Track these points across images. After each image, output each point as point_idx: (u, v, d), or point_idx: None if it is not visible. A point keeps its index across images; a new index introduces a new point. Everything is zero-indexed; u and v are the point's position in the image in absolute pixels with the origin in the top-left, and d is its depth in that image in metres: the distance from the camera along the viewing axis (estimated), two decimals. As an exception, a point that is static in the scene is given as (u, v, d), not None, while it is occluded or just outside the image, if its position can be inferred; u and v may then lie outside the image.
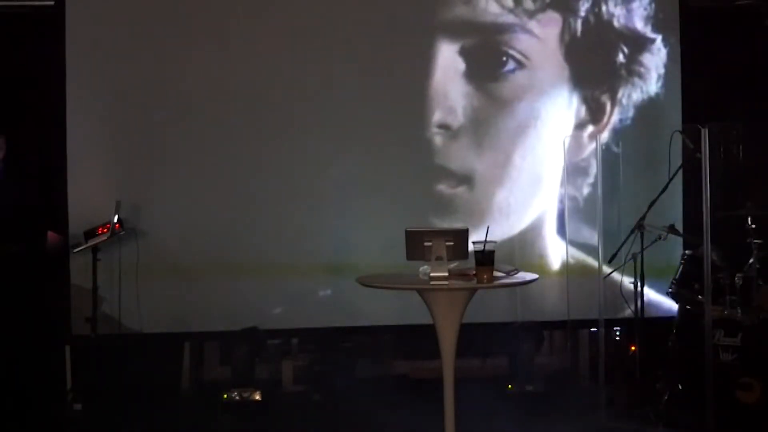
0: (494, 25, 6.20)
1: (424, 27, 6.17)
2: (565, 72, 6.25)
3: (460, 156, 6.18)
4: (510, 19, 6.18)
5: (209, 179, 6.06)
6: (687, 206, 6.14)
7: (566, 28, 6.24)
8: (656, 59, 6.30)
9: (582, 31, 6.25)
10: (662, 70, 6.30)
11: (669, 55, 6.30)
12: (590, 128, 6.21)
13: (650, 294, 5.61)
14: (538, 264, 6.10)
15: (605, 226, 5.67)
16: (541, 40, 6.22)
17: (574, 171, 6.12)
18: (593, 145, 6.01)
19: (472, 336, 4.60)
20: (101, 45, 5.99)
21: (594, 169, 6.04)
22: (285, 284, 6.07)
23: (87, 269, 5.77)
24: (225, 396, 5.70)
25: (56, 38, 5.96)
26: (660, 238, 5.50)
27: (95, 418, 5.50)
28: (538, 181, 6.23)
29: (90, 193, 5.97)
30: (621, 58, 6.29)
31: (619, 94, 6.28)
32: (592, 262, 5.86)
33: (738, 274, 5.34)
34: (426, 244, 4.04)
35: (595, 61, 6.28)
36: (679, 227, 5.88)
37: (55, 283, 5.94)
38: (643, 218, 5.50)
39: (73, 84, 5.96)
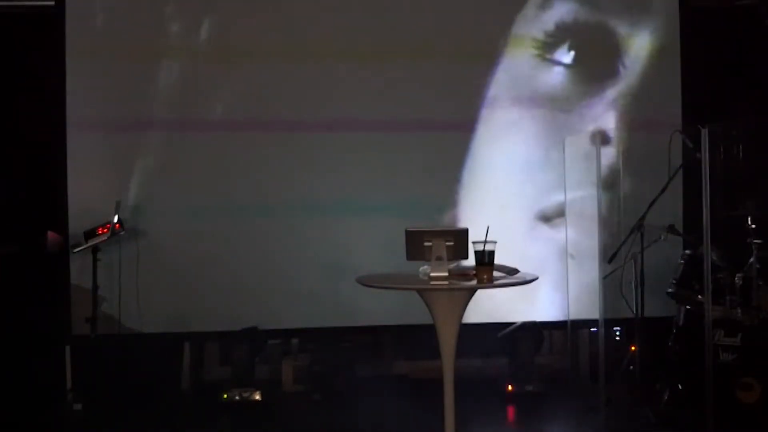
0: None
1: (422, 28, 6.19)
2: (566, 72, 6.25)
3: (463, 156, 6.19)
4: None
5: (209, 179, 6.07)
6: (687, 206, 6.14)
7: (567, 27, 6.24)
8: (656, 59, 6.30)
9: (583, 31, 6.25)
10: (662, 70, 6.30)
11: (669, 55, 6.30)
12: (590, 129, 6.20)
13: (650, 294, 5.60)
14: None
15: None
16: (543, 41, 6.23)
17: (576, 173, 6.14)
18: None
19: (472, 336, 4.60)
20: (101, 45, 6.00)
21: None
22: (285, 284, 6.08)
23: (87, 269, 5.78)
24: (225, 396, 5.70)
25: (56, 38, 5.97)
26: (660, 238, 5.50)
27: (95, 418, 5.50)
28: (537, 184, 6.24)
29: (90, 193, 5.97)
30: (621, 58, 6.29)
31: (619, 94, 6.28)
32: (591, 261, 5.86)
33: (738, 274, 5.34)
34: (426, 244, 4.04)
35: (596, 61, 6.28)
36: (679, 227, 5.88)
37: (55, 283, 5.95)
38: (643, 218, 5.50)
39: (73, 84, 5.97)
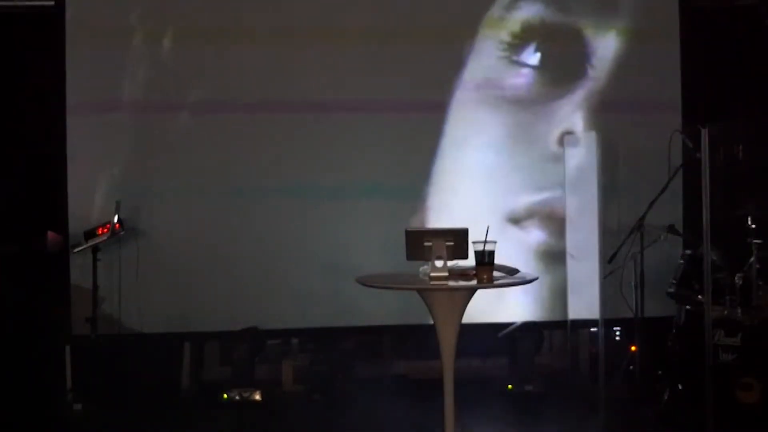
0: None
1: (416, 30, 6.19)
2: (564, 70, 6.24)
3: (458, 155, 6.19)
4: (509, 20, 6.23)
5: (209, 179, 6.06)
6: (687, 206, 6.14)
7: (560, 26, 6.23)
8: (656, 59, 6.29)
9: (579, 30, 6.24)
10: (662, 70, 6.29)
11: (669, 55, 6.29)
12: (590, 127, 6.20)
13: (650, 294, 5.60)
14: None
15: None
16: (541, 40, 6.23)
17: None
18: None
19: (472, 336, 4.60)
20: (101, 45, 5.99)
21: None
22: (285, 284, 6.07)
23: (87, 269, 5.78)
24: (225, 396, 5.70)
25: (56, 38, 5.96)
26: (660, 238, 5.50)
27: (95, 418, 5.50)
28: (538, 180, 6.24)
29: (90, 193, 5.97)
30: (621, 57, 6.28)
31: (619, 94, 6.27)
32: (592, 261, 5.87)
33: (738, 274, 5.34)
34: (426, 244, 4.04)
35: (592, 60, 6.28)
36: (679, 227, 5.88)
37: (55, 283, 5.95)
38: (643, 218, 5.50)
39: (73, 84, 5.97)
